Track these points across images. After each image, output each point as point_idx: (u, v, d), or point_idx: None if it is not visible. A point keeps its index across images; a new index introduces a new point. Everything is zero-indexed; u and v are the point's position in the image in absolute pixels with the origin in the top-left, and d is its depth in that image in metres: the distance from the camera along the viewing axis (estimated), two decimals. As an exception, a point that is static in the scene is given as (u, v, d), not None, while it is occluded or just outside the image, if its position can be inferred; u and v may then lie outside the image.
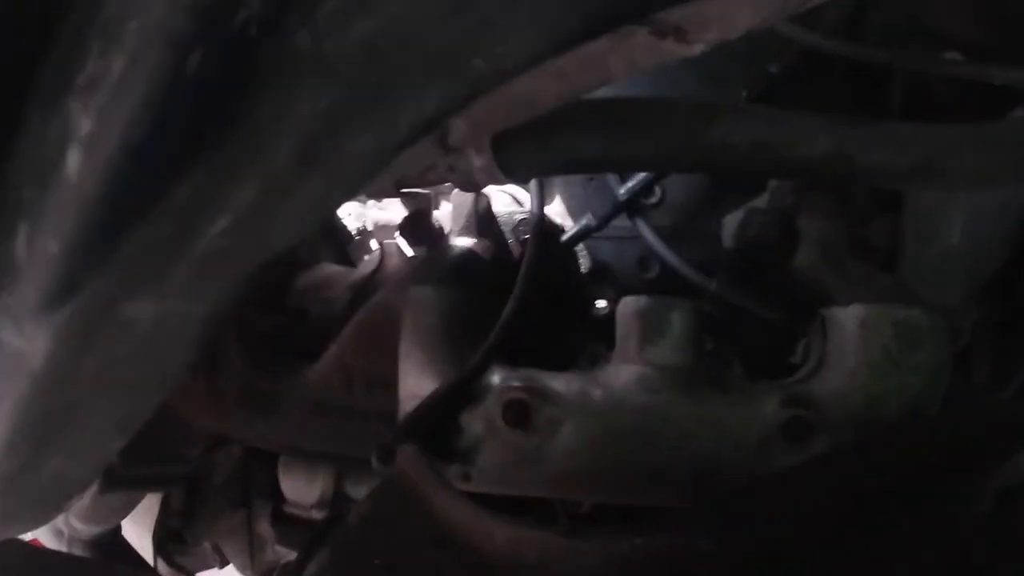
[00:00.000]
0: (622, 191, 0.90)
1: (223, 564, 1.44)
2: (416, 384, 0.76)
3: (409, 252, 0.97)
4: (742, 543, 0.45)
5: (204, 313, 0.46)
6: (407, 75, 0.37)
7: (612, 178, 0.91)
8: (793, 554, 0.45)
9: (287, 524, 1.29)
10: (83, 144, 0.37)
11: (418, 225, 0.88)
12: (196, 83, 0.36)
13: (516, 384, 0.71)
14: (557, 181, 0.97)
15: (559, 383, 0.72)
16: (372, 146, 0.38)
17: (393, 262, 0.99)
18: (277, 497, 1.24)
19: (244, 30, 0.35)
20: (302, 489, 1.18)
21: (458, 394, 0.72)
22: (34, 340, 0.45)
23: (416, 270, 0.90)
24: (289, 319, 1.01)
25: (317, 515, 1.18)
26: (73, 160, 0.38)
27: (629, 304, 0.77)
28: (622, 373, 0.74)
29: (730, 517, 0.49)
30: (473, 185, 0.65)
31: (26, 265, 0.41)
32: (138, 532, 1.36)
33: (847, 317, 0.77)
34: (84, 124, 0.37)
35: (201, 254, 0.41)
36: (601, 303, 0.95)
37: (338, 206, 0.45)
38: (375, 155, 0.39)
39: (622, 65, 0.45)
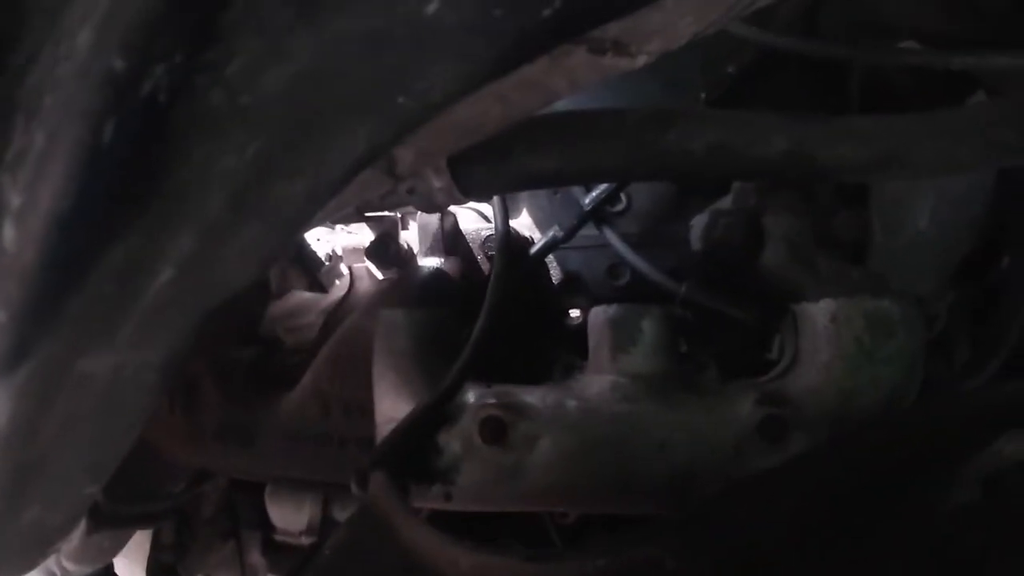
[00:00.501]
0: (587, 201, 0.89)
1: (218, 594, 1.43)
2: (391, 407, 0.76)
3: (379, 275, 0.97)
4: (712, 555, 0.45)
5: (160, 360, 0.46)
6: (331, 118, 0.38)
7: (577, 189, 0.91)
8: (768, 561, 0.45)
9: (278, 552, 1.29)
10: (15, 217, 0.38)
11: (385, 248, 0.88)
12: (115, 151, 0.36)
13: (491, 401, 0.70)
14: (523, 195, 0.96)
15: (534, 397, 0.72)
16: (305, 189, 0.39)
17: (363, 286, 0.99)
18: (266, 526, 1.23)
19: (153, 98, 0.35)
20: (290, 517, 1.17)
21: (434, 414, 0.72)
22: (-6, 402, 0.46)
23: (386, 293, 0.90)
24: (263, 349, 1.01)
25: (307, 542, 1.17)
26: (8, 232, 0.39)
27: (599, 314, 0.77)
28: (596, 383, 0.74)
29: (698, 530, 0.49)
30: (434, 206, 0.64)
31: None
32: (131, 569, 1.36)
33: (818, 312, 0.77)
34: (14, 198, 0.38)
35: (148, 306, 0.42)
36: (574, 313, 0.94)
37: (283, 247, 0.46)
38: (310, 197, 0.39)
39: (564, 84, 0.45)
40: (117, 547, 1.28)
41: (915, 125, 0.65)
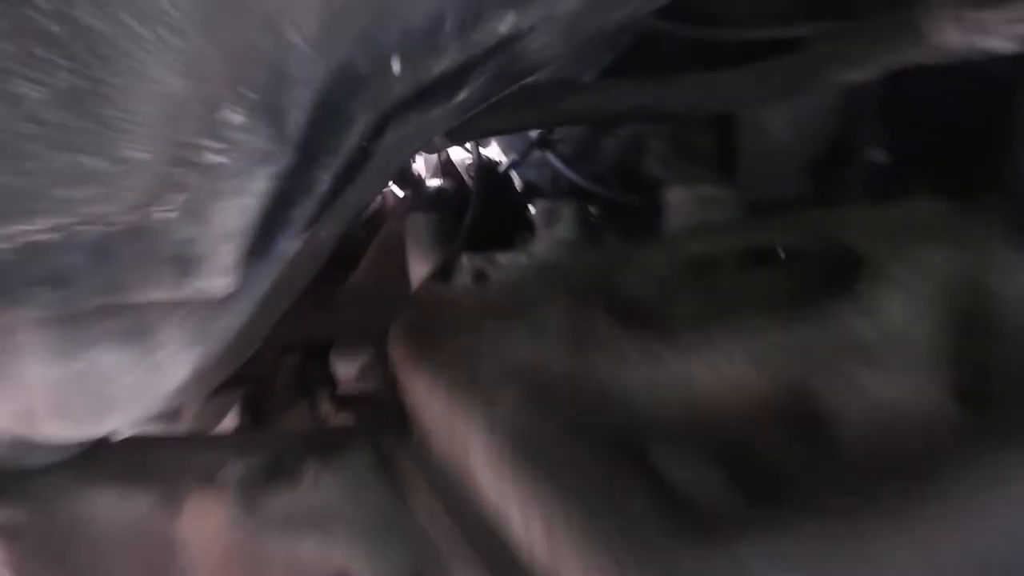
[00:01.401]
0: (535, 134, 1.36)
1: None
2: (420, 271, 1.25)
3: (399, 193, 1.45)
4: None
5: (328, 236, 0.66)
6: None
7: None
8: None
9: (342, 402, 1.54)
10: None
11: (406, 175, 1.35)
12: None
13: (478, 261, 1.19)
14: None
15: (503, 257, 1.20)
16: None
17: (391, 201, 1.46)
18: (332, 382, 1.53)
19: None
20: (349, 368, 1.49)
21: (446, 270, 1.20)
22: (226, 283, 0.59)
23: (409, 204, 1.38)
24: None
25: (363, 387, 1.51)
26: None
27: (540, 205, 1.25)
28: (539, 245, 1.21)
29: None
30: (433, 149, 1.12)
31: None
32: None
33: (674, 196, 1.23)
34: None
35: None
36: (532, 208, 1.42)
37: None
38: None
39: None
40: (226, 412, 1.54)
41: (742, 75, 1.04)
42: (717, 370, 0.58)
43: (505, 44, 0.53)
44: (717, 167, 1.28)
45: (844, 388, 0.55)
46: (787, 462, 0.53)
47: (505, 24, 0.52)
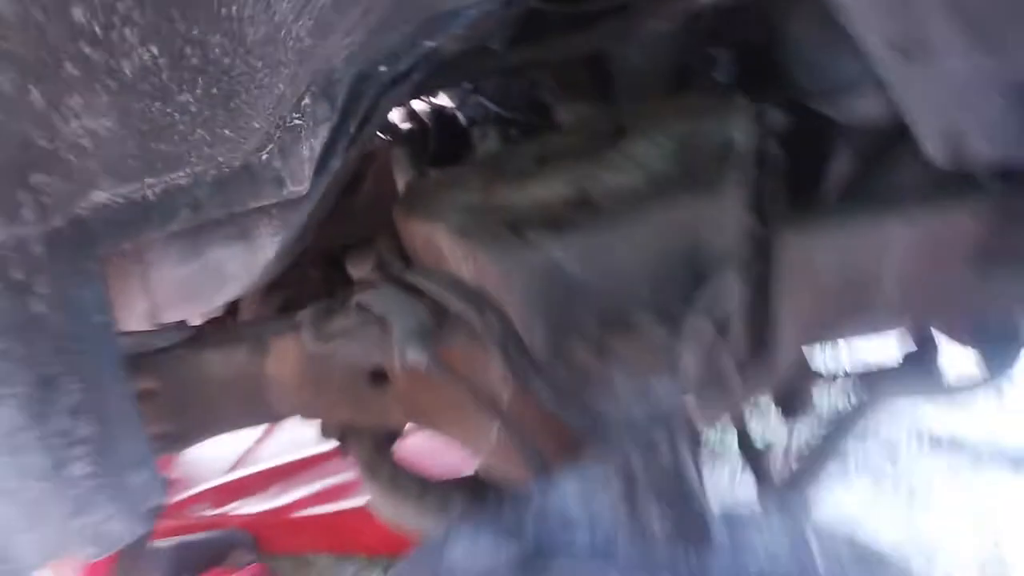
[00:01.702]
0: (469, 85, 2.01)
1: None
2: (402, 182, 1.91)
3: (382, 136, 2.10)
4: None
5: (353, 159, 1.13)
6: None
7: (464, 79, 2.00)
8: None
9: None
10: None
11: (386, 123, 2.01)
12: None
13: (441, 174, 1.83)
14: (440, 86, 2.05)
15: (454, 168, 1.84)
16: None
17: (378, 142, 2.11)
18: (350, 283, 1.83)
19: None
20: (360, 268, 1.85)
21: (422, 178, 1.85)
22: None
23: (392, 140, 2.04)
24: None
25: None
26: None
27: (475, 130, 1.89)
28: (478, 157, 1.85)
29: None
30: (402, 103, 1.76)
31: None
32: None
33: (559, 116, 1.87)
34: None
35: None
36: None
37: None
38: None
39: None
40: (272, 311, 2.07)
41: (586, 34, 1.70)
42: (549, 188, 1.27)
43: (431, 53, 1.18)
44: (595, 94, 1.83)
45: (580, 184, 1.24)
46: (576, 220, 1.21)
47: (428, 44, 1.17)
